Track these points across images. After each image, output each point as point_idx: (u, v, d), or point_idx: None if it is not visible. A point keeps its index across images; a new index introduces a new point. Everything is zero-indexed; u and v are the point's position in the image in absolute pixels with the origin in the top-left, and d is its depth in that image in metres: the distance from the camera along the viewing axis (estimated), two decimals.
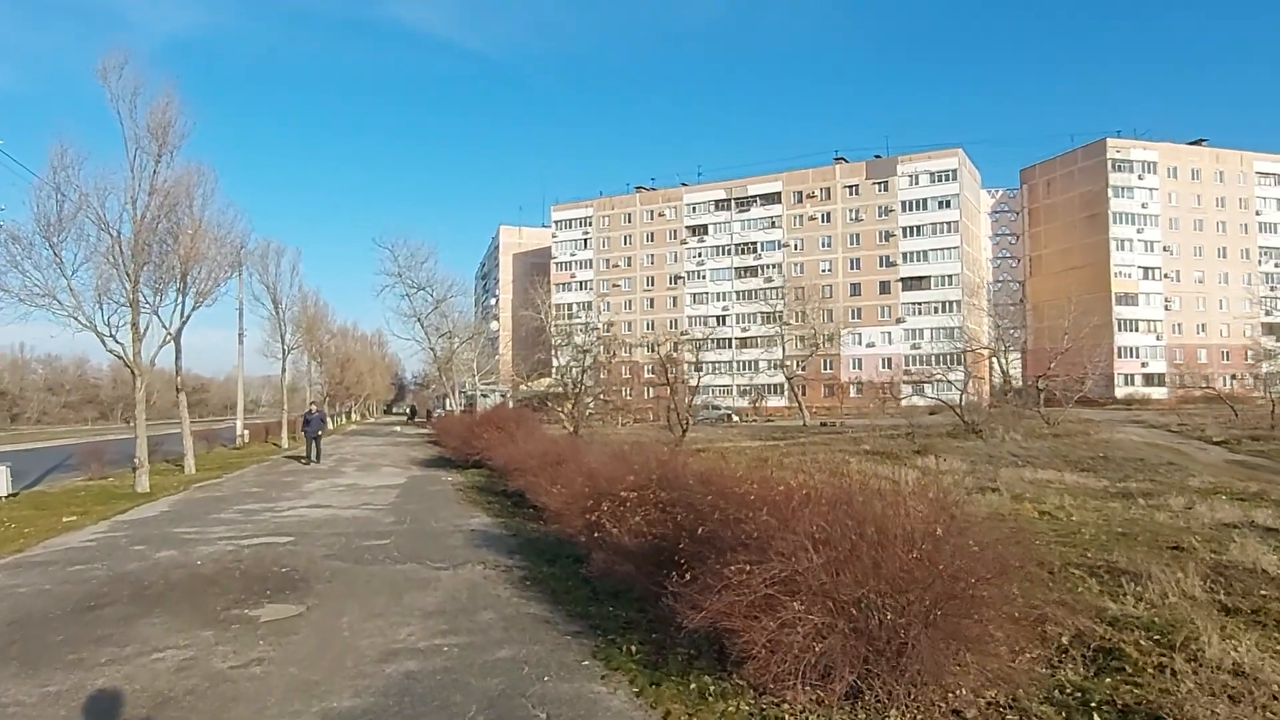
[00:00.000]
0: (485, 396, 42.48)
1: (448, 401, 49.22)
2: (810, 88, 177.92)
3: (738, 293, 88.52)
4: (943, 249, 79.99)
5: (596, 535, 6.01)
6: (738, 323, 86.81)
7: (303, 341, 39.75)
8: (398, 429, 53.61)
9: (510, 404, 41.41)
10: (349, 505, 13.19)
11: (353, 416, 77.05)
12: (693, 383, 29.51)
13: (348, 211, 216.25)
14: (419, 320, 34.26)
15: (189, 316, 19.71)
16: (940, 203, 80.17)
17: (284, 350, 35.24)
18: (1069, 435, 28.91)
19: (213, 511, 12.63)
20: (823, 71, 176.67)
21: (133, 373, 16.40)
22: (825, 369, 75.81)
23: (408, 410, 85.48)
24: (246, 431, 35.19)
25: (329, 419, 27.01)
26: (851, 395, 77.04)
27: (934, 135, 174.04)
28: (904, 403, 77.82)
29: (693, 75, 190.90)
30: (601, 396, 23.23)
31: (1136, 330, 78.00)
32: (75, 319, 15.07)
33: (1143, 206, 79.16)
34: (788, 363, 48.84)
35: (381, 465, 22.33)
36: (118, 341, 15.91)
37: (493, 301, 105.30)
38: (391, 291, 34.23)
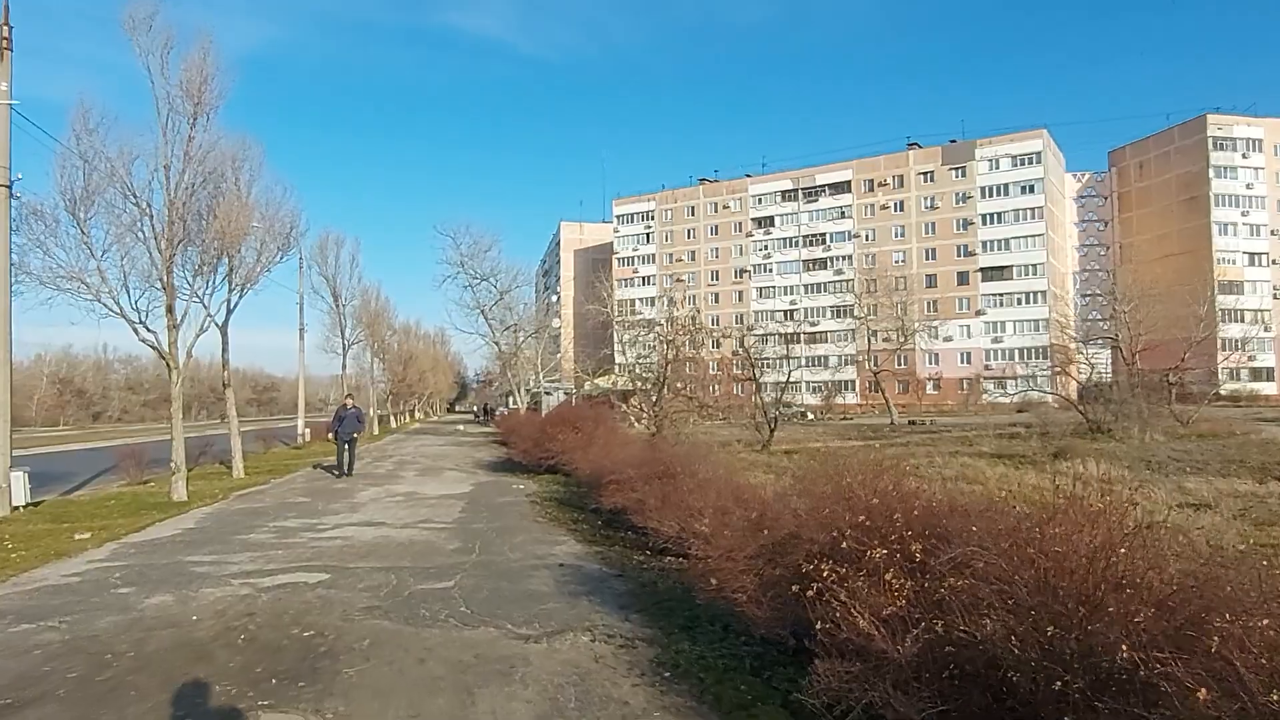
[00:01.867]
0: (549, 394, 40.38)
1: (510, 399, 47.33)
2: (879, 74, 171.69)
3: (806, 286, 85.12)
4: (1026, 237, 75.34)
5: (822, 628, 3.38)
6: (806, 317, 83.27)
7: (365, 337, 38.31)
8: (460, 428, 51.98)
9: (573, 402, 39.21)
10: (405, 522, 10.87)
11: (416, 415, 76.19)
12: (781, 378, 26.70)
13: (408, 215, 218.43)
14: (483, 313, 32.20)
15: (236, 305, 17.88)
16: (1023, 188, 75.52)
17: (344, 345, 33.77)
18: (1215, 436, 25.14)
19: (243, 529, 10.45)
20: (891, 56, 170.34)
21: (169, 366, 14.46)
22: (899, 364, 71.95)
23: (477, 409, 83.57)
24: (308, 430, 33.78)
25: (366, 417, 22.33)
26: (929, 391, 73.01)
27: (1011, 118, 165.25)
28: (985, 399, 73.58)
29: (754, 67, 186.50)
30: (684, 393, 20.59)
31: (1242, 320, 71.75)
32: (100, 303, 13.16)
33: (1247, 187, 73.15)
34: (871, 357, 45.40)
35: (444, 469, 20.14)
36: (150, 330, 14.00)
37: (554, 298, 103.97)
38: (454, 282, 32.28)
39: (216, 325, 17.74)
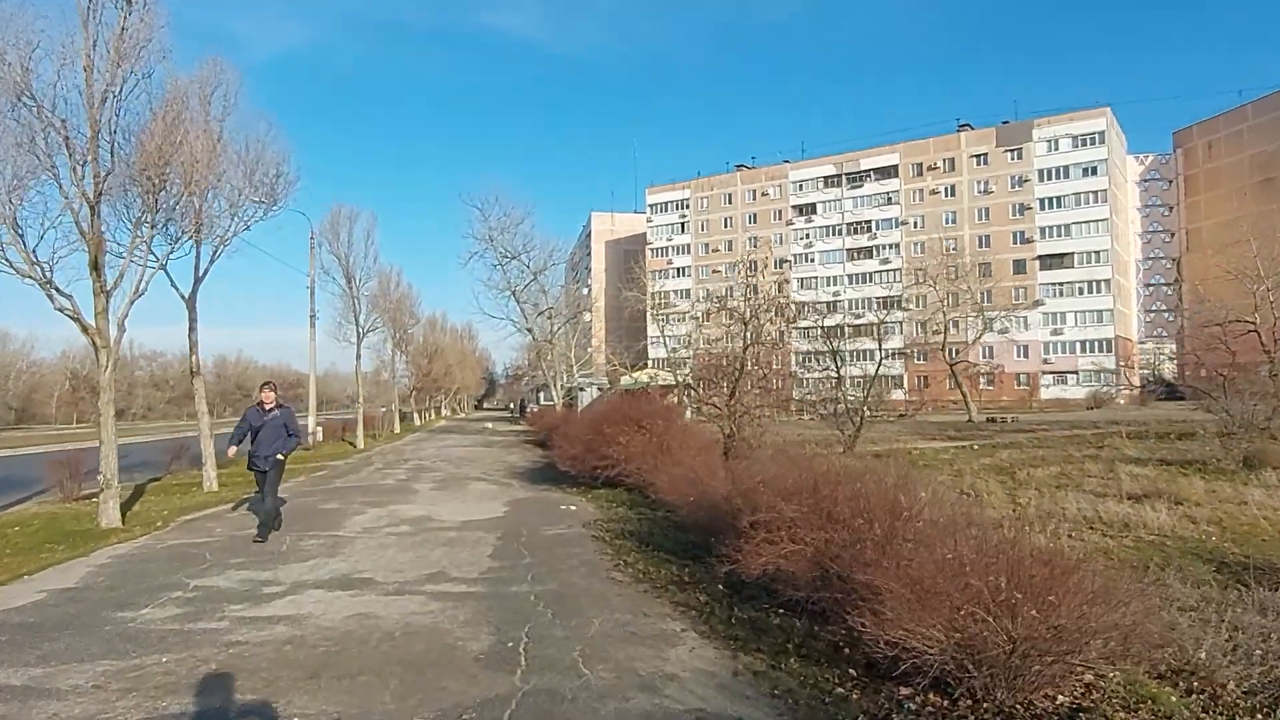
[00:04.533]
0: (582, 390, 36.65)
1: (541, 395, 43.51)
2: (925, 54, 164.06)
3: (850, 276, 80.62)
4: (1088, 222, 70.39)
5: None
6: (850, 308, 78.70)
7: (384, 325, 34.63)
8: (489, 425, 48.29)
9: (605, 398, 35.38)
10: (405, 580, 6.83)
11: (442, 412, 72.73)
12: (870, 370, 22.54)
13: (436, 214, 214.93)
14: (513, 295, 28.29)
15: (206, 272, 14.06)
16: (1085, 170, 70.53)
17: (359, 333, 29.92)
18: None
19: (143, 595, 6.44)
20: (939, 35, 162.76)
21: (94, 344, 10.59)
22: (952, 356, 67.03)
23: (512, 405, 79.25)
24: (320, 429, 30.22)
25: (302, 428, 10.62)
26: (983, 386, 67.99)
27: (1063, 99, 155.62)
28: (1044, 393, 68.35)
29: (791, 50, 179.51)
30: (763, 383, 16.51)
31: None
32: None
33: None
34: (945, 349, 40.81)
35: (470, 478, 16.19)
36: (65, 295, 10.14)
37: (585, 291, 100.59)
38: (481, 260, 28.43)
39: (182, 297, 14.03)
